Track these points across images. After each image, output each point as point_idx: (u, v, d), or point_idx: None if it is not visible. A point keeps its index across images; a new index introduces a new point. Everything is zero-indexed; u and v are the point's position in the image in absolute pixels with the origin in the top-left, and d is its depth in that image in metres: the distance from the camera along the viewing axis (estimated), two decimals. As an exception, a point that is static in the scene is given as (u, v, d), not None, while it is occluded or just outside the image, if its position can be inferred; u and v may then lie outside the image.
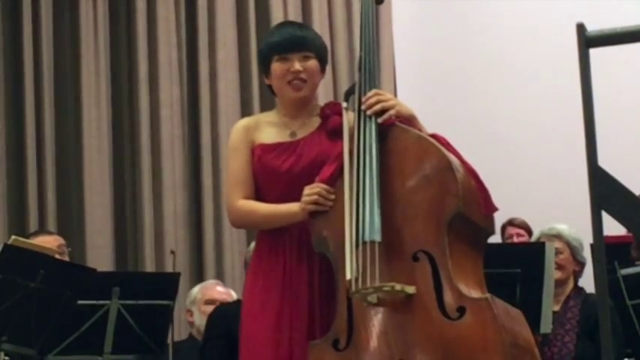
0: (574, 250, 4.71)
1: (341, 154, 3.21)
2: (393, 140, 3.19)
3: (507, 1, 7.33)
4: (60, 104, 6.63)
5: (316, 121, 3.38)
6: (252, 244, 3.66)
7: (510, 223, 6.02)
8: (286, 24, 3.68)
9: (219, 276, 6.57)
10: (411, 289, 3.01)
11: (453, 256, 3.02)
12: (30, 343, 4.16)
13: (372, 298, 3.05)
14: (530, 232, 5.85)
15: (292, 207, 3.23)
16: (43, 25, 6.58)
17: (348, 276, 3.03)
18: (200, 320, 5.37)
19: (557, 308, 4.54)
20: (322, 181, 3.20)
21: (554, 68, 6.68)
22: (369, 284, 3.02)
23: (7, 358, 4.24)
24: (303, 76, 3.32)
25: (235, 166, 3.36)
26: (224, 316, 4.74)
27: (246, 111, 6.80)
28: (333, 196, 3.18)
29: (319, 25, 7.06)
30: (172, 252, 5.73)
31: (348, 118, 3.30)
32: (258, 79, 6.66)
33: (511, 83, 7.15)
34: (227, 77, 6.95)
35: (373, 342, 3.04)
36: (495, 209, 3.17)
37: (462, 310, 2.94)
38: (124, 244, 6.69)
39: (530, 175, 6.91)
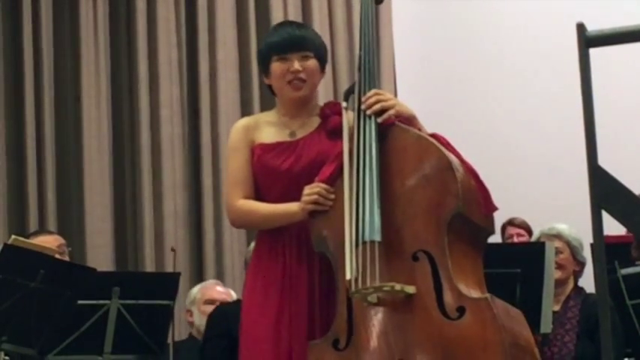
0: (574, 250, 4.71)
1: (341, 153, 3.21)
2: (393, 140, 3.19)
3: (507, 1, 7.33)
4: (60, 104, 6.63)
5: (316, 121, 3.38)
6: (252, 244, 3.66)
7: (510, 223, 6.02)
8: (286, 24, 3.67)
9: (220, 276, 6.57)
10: (410, 289, 3.01)
11: (453, 256, 3.02)
12: (30, 343, 4.16)
13: (372, 298, 3.05)
14: (530, 232, 5.85)
15: (292, 207, 3.23)
16: (43, 25, 6.58)
17: (348, 276, 3.03)
18: (200, 320, 5.37)
19: (557, 308, 4.54)
20: (322, 181, 3.20)
21: (554, 68, 6.68)
22: (368, 284, 3.02)
23: (7, 358, 4.24)
24: (302, 75, 3.32)
25: (235, 165, 3.36)
26: (224, 315, 4.74)
27: (246, 111, 6.80)
28: (332, 196, 3.18)
29: (319, 25, 7.06)
30: (173, 249, 5.73)
31: (348, 118, 3.30)
32: (258, 79, 6.65)
33: (511, 83, 7.15)
34: (227, 77, 6.95)
35: (373, 342, 3.04)
36: (495, 209, 3.17)
37: (461, 310, 2.94)
38: (124, 244, 6.69)
39: (530, 176, 6.91)
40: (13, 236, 4.67)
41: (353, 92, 3.34)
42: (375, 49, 3.39)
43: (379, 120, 3.20)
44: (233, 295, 5.52)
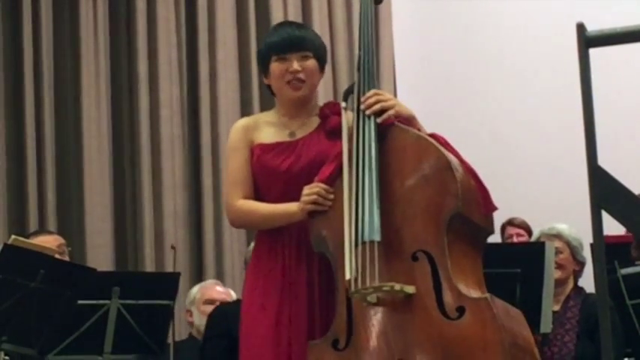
0: (574, 250, 4.71)
1: (340, 153, 3.21)
2: (392, 140, 3.19)
3: (507, 1, 7.33)
4: (60, 104, 6.63)
5: (315, 121, 3.38)
6: (252, 244, 3.66)
7: (510, 223, 6.02)
8: (285, 24, 3.68)
9: (219, 276, 6.58)
10: (410, 289, 3.01)
11: (453, 256, 3.02)
12: (30, 343, 4.16)
13: (372, 298, 3.05)
14: (530, 232, 5.85)
15: (291, 207, 3.23)
16: (43, 25, 6.58)
17: (348, 276, 3.03)
18: (199, 320, 5.37)
19: (557, 308, 4.54)
20: (321, 181, 3.20)
21: (554, 68, 6.68)
22: (368, 284, 3.02)
23: (7, 358, 4.24)
24: (301, 76, 3.32)
25: (234, 165, 3.36)
26: (224, 315, 4.74)
27: (246, 111, 6.80)
28: (332, 196, 3.18)
29: (319, 25, 7.07)
30: (173, 247, 5.72)
31: (347, 118, 3.30)
32: (258, 79, 6.65)
33: (511, 83, 7.15)
34: (227, 77, 6.95)
35: (373, 342, 3.04)
36: (495, 209, 3.17)
37: (461, 310, 2.94)
38: (124, 244, 6.69)
39: (530, 175, 6.91)
40: (13, 236, 4.67)
41: (352, 92, 3.34)
42: (374, 49, 3.39)
43: (379, 120, 3.20)
44: (233, 295, 5.52)
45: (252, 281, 3.33)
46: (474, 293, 2.99)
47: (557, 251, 4.50)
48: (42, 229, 5.91)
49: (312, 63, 3.35)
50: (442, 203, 3.06)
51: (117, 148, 6.75)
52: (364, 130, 3.20)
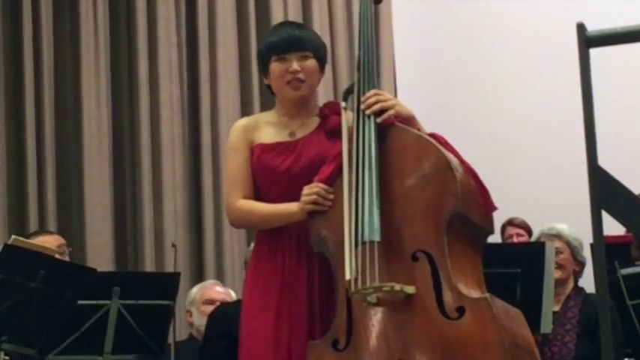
0: (574, 250, 4.71)
1: (340, 153, 3.21)
2: (392, 140, 3.19)
3: (507, 1, 7.33)
4: (60, 104, 6.63)
5: (315, 121, 3.38)
6: (253, 244, 3.66)
7: (510, 223, 6.02)
8: (285, 24, 3.67)
9: (220, 275, 6.58)
10: (410, 289, 3.01)
11: (453, 256, 3.02)
12: (30, 343, 4.16)
13: (372, 298, 3.05)
14: (530, 232, 5.85)
15: (291, 207, 3.23)
16: (43, 25, 6.58)
17: (348, 276, 3.03)
18: (199, 320, 5.37)
19: (557, 308, 4.54)
20: (321, 181, 3.20)
21: (554, 68, 6.68)
22: (368, 284, 3.01)
23: (7, 358, 4.24)
24: (300, 76, 3.32)
25: (234, 165, 3.36)
26: (224, 315, 4.74)
27: (246, 110, 6.80)
28: (332, 196, 3.18)
29: (319, 25, 7.07)
30: (173, 245, 5.71)
31: (347, 118, 3.30)
32: (259, 79, 6.65)
33: (511, 83, 7.15)
34: (227, 77, 6.95)
35: (373, 342, 3.04)
36: (494, 208, 3.16)
37: (461, 310, 2.94)
38: (124, 244, 6.69)
39: (530, 175, 6.91)
40: (13, 236, 4.67)
41: (352, 92, 3.34)
42: (374, 48, 3.38)
43: (378, 120, 3.20)
44: (232, 295, 5.51)
45: (252, 281, 3.33)
46: (474, 293, 2.99)
47: (558, 251, 4.50)
48: (42, 229, 5.91)
49: (311, 63, 3.35)
50: (442, 203, 3.06)
51: (117, 148, 6.75)
52: (364, 130, 3.20)
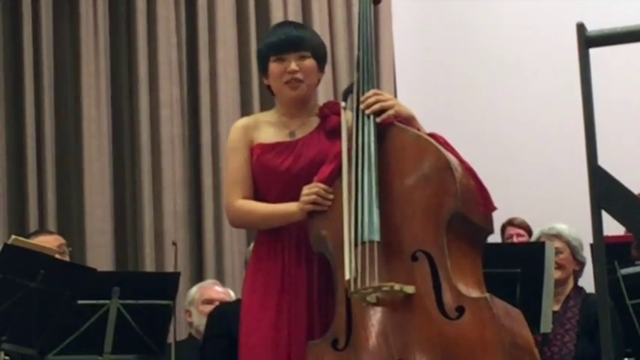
0: (574, 250, 4.71)
1: (339, 153, 3.21)
2: (392, 139, 3.19)
3: (507, 1, 7.33)
4: (60, 104, 6.63)
5: (315, 121, 3.38)
6: (252, 244, 3.66)
7: (510, 223, 6.02)
8: (284, 24, 3.68)
9: (220, 275, 6.58)
10: (410, 289, 3.01)
11: (452, 256, 3.02)
12: (30, 343, 4.16)
13: (371, 298, 3.05)
14: (530, 232, 5.85)
15: (290, 207, 3.23)
16: (43, 25, 6.58)
17: (347, 276, 3.03)
18: (199, 320, 5.37)
19: (557, 308, 4.54)
20: (321, 181, 3.20)
21: (554, 68, 6.68)
22: (368, 284, 3.01)
23: (7, 358, 4.24)
24: (299, 76, 3.32)
25: (234, 165, 3.36)
26: (224, 315, 4.74)
27: (246, 110, 6.80)
28: (331, 196, 3.18)
29: (319, 25, 7.07)
30: (174, 243, 5.71)
31: (347, 118, 3.30)
32: (259, 79, 6.65)
33: (511, 83, 7.15)
34: (227, 76, 6.95)
35: (372, 342, 3.04)
36: (494, 208, 3.16)
37: (461, 310, 2.94)
38: (124, 244, 6.69)
39: (530, 175, 6.91)
40: (13, 236, 4.66)
41: (351, 92, 3.34)
42: (373, 48, 3.39)
43: (378, 120, 3.20)
44: (231, 295, 5.51)
45: (252, 281, 3.33)
46: (474, 293, 2.99)
47: (557, 251, 4.50)
48: (42, 229, 5.90)
49: (309, 63, 3.35)
50: (441, 203, 3.06)
51: (117, 148, 6.74)
52: (363, 130, 3.20)
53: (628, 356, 4.29)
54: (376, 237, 3.05)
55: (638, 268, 4.03)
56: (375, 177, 3.12)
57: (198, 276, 6.60)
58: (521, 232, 5.98)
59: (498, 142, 7.02)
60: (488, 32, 7.29)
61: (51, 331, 4.18)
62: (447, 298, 2.97)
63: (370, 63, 3.33)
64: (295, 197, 3.21)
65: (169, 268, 6.25)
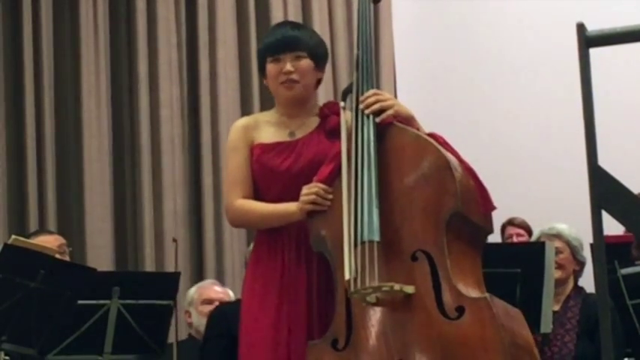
0: (574, 250, 4.71)
1: (339, 153, 3.21)
2: (391, 139, 3.19)
3: (507, 1, 7.33)
4: (60, 104, 6.62)
5: (315, 121, 3.38)
6: (252, 244, 3.66)
7: (510, 222, 6.02)
8: (282, 24, 3.67)
9: (220, 275, 6.58)
10: (409, 289, 3.01)
11: (452, 256, 3.02)
12: (30, 343, 4.16)
13: (371, 298, 3.05)
14: (530, 232, 5.85)
15: (290, 206, 3.23)
16: (43, 25, 6.58)
17: (347, 276, 3.03)
18: (198, 320, 5.36)
19: (557, 308, 4.54)
20: (320, 181, 3.20)
21: (554, 68, 6.68)
22: (367, 284, 3.01)
23: (7, 358, 4.24)
24: (294, 76, 3.32)
25: (234, 165, 3.36)
26: (224, 315, 4.74)
27: (246, 110, 6.80)
28: (331, 196, 3.18)
29: (319, 25, 7.06)
30: (174, 240, 5.70)
31: (346, 118, 3.30)
32: (258, 79, 6.64)
33: (511, 83, 7.15)
34: (227, 76, 6.95)
35: (372, 342, 3.04)
36: (494, 208, 3.16)
37: (460, 310, 2.94)
38: (124, 244, 6.69)
39: (530, 175, 6.91)
40: (13, 236, 4.67)
41: (351, 92, 3.34)
42: (372, 48, 3.38)
43: (377, 120, 3.20)
44: (231, 295, 5.51)
45: (252, 281, 3.33)
46: (474, 293, 2.99)
47: (557, 251, 4.50)
48: (42, 229, 5.90)
49: (305, 63, 3.34)
50: (441, 203, 3.06)
51: (117, 148, 6.74)
52: (363, 130, 3.20)
53: (628, 356, 4.29)
54: (376, 237, 3.05)
55: (638, 268, 4.03)
56: (374, 177, 3.12)
57: (199, 276, 6.60)
58: (521, 231, 5.98)
59: (498, 142, 7.02)
60: (488, 32, 7.28)
61: (51, 331, 4.18)
62: (447, 298, 2.97)
63: (370, 62, 3.33)
64: (295, 197, 3.21)
65: (169, 268, 6.25)
